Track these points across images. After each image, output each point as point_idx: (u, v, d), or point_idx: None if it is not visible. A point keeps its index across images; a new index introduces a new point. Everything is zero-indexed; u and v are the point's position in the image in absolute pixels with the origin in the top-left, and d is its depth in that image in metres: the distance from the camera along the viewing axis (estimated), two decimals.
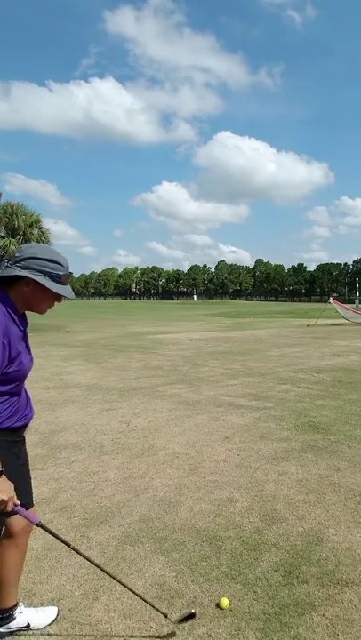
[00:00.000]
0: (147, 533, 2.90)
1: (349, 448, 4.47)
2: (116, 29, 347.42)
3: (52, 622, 2.13)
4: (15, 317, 1.80)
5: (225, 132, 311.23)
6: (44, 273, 1.79)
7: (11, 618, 2.08)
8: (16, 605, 2.11)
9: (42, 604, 2.24)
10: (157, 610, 2.11)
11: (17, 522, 1.95)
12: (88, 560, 2.03)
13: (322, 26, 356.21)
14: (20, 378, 1.85)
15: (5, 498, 1.65)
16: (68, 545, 1.96)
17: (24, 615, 2.10)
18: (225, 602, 2.20)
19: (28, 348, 1.91)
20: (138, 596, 2.12)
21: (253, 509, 3.22)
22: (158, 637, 2.03)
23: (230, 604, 2.22)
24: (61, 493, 3.53)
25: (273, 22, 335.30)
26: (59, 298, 1.87)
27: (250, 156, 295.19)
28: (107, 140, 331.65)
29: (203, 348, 13.37)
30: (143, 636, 2.04)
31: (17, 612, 2.10)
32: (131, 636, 2.04)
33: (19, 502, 1.74)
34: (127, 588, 2.11)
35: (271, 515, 3.14)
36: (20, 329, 1.83)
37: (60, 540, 1.96)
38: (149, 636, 2.04)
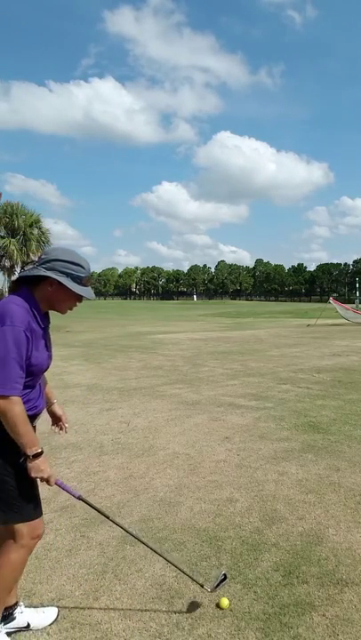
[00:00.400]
0: (147, 533, 2.90)
1: (349, 448, 4.47)
2: (116, 29, 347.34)
3: (53, 622, 2.13)
4: (37, 315, 1.91)
5: (225, 132, 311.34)
6: (67, 274, 1.90)
7: (11, 617, 2.07)
8: (16, 604, 2.10)
9: (42, 604, 2.24)
10: (195, 581, 2.24)
11: (33, 528, 1.94)
12: (129, 533, 2.27)
13: (322, 26, 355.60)
14: (35, 372, 1.93)
15: (46, 475, 1.86)
16: (107, 517, 2.19)
17: (24, 615, 2.10)
18: (225, 602, 2.20)
19: (47, 345, 2.00)
20: (176, 567, 2.29)
21: (253, 509, 3.22)
22: (158, 637, 2.03)
23: (230, 604, 2.22)
24: (61, 493, 3.53)
25: (273, 22, 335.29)
26: (80, 298, 1.97)
27: (250, 155, 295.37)
28: (107, 140, 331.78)
29: (203, 348, 13.37)
30: (143, 636, 2.04)
31: (17, 612, 2.09)
32: (131, 636, 2.04)
33: (59, 478, 1.97)
34: (168, 560, 2.29)
35: (271, 515, 3.14)
36: (40, 327, 1.93)
37: (100, 512, 2.17)
38: (149, 636, 2.04)
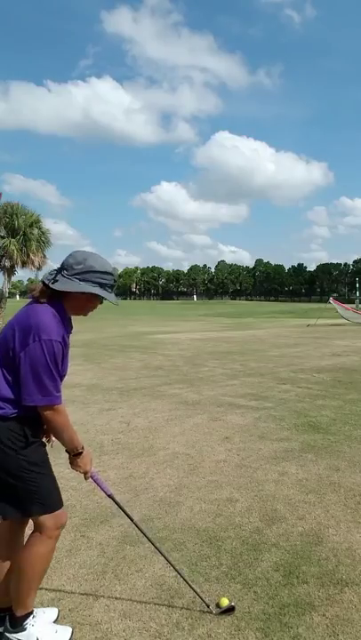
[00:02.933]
0: (147, 533, 2.89)
1: (349, 448, 4.47)
2: (114, 30, 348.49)
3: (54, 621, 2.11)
4: (66, 325, 1.95)
5: (224, 133, 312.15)
6: (100, 284, 1.94)
7: (21, 628, 1.97)
8: (31, 613, 1.99)
9: (41, 604, 2.24)
10: (201, 598, 2.20)
11: (57, 518, 1.97)
12: (150, 541, 2.33)
13: (321, 25, 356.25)
14: (61, 381, 1.98)
15: (83, 471, 2.04)
16: (132, 520, 2.27)
17: (35, 629, 1.98)
18: (225, 602, 2.20)
19: (68, 350, 2.03)
20: (188, 584, 2.25)
21: (253, 509, 3.22)
22: (158, 637, 2.03)
23: (230, 604, 2.21)
24: (61, 493, 3.52)
25: (271, 22, 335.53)
26: (99, 301, 2.03)
27: (249, 156, 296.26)
28: (106, 140, 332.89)
29: (203, 348, 13.37)
30: (143, 636, 2.04)
31: (28, 624, 1.98)
32: (131, 636, 2.04)
33: (96, 472, 2.13)
34: (184, 578, 2.28)
35: (271, 515, 3.13)
36: (68, 336, 1.98)
37: (126, 514, 2.26)
38: (149, 636, 2.04)
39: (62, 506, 2.02)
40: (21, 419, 1.89)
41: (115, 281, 2.03)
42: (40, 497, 1.92)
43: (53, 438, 2.18)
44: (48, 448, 2.08)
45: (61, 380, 1.97)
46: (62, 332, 1.90)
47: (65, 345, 1.93)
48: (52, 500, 1.97)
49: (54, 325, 1.86)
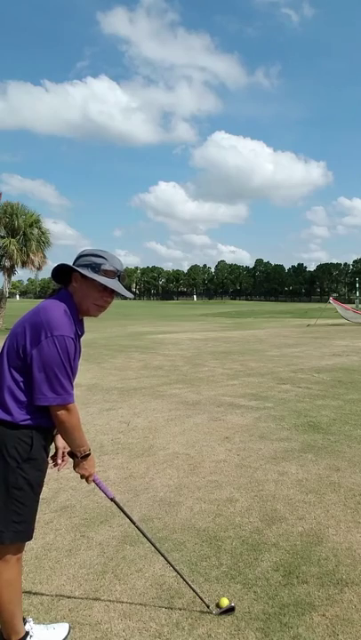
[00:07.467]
0: (147, 535, 2.89)
1: (349, 448, 4.47)
2: (110, 30, 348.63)
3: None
4: (76, 321, 1.87)
5: (223, 133, 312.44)
6: (86, 265, 1.86)
7: None
8: (26, 636, 1.94)
9: (41, 604, 2.23)
10: (201, 599, 2.19)
11: (18, 546, 1.88)
12: (155, 547, 2.27)
13: (319, 24, 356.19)
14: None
15: (87, 474, 1.96)
16: (133, 523, 2.23)
17: None
18: (225, 602, 2.20)
19: (80, 351, 1.97)
20: (189, 585, 2.23)
21: (253, 509, 3.22)
22: (158, 637, 2.03)
23: (230, 604, 2.21)
24: (61, 493, 3.53)
25: (268, 21, 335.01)
26: (105, 294, 1.90)
27: (247, 156, 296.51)
28: (104, 140, 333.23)
29: (203, 348, 13.37)
30: (143, 636, 2.04)
31: None
32: (131, 636, 2.04)
33: (98, 477, 2.05)
34: (184, 579, 2.26)
35: (271, 515, 3.13)
36: (79, 333, 1.90)
37: (130, 519, 2.21)
38: (149, 636, 2.04)
39: (32, 538, 1.90)
40: (32, 428, 1.81)
41: (120, 274, 1.94)
42: (18, 521, 1.80)
43: (60, 462, 2.11)
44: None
45: (73, 379, 1.90)
46: (74, 328, 1.83)
47: (77, 342, 1.86)
48: (27, 527, 1.85)
49: (64, 319, 1.79)
